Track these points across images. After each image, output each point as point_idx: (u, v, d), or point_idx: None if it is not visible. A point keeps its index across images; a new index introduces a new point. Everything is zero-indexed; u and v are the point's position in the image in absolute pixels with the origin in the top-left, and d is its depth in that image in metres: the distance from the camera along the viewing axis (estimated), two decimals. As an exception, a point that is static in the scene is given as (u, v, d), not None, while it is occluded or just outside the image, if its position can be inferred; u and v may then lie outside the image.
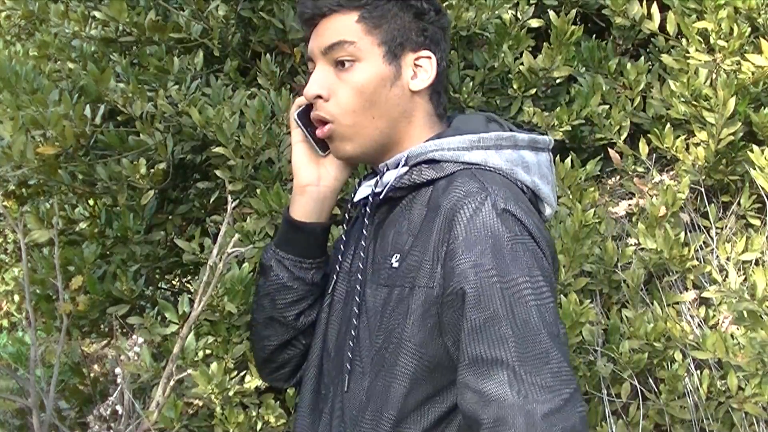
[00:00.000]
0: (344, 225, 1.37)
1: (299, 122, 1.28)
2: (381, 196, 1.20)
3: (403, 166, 1.19)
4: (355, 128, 1.21)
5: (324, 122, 1.22)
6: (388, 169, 1.22)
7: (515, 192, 1.15)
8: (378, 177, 1.22)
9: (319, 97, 1.21)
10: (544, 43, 2.44)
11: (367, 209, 1.24)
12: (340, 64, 1.19)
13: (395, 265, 1.16)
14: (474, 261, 1.05)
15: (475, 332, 1.04)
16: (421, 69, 1.22)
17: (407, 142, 1.22)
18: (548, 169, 1.25)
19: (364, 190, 1.25)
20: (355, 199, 1.28)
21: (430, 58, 1.22)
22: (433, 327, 1.11)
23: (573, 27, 2.39)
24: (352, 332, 1.20)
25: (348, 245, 1.31)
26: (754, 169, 2.28)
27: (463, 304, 1.05)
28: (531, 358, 1.01)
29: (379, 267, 1.19)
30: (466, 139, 1.18)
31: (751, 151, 2.30)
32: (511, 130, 1.24)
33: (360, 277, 1.22)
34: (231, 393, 2.08)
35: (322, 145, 1.27)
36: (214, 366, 2.07)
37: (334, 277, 1.31)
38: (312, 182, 1.30)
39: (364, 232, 1.24)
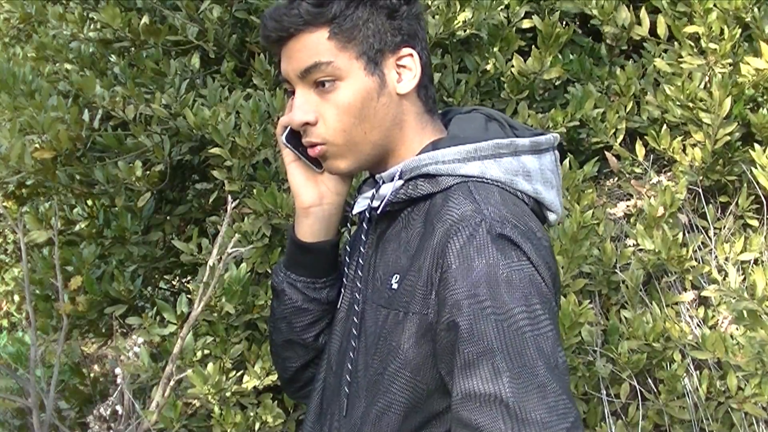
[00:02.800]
0: (349, 233, 1.33)
1: (288, 144, 1.23)
2: (378, 211, 1.16)
3: (398, 179, 1.14)
4: (348, 146, 1.15)
5: (315, 144, 1.17)
6: (384, 182, 1.17)
7: (514, 208, 1.08)
8: (374, 190, 1.18)
9: (307, 123, 1.15)
10: (533, 46, 2.43)
11: (365, 225, 1.20)
12: (320, 84, 1.13)
13: (394, 286, 1.11)
14: (468, 291, 1.00)
15: (469, 366, 0.98)
16: (405, 69, 1.15)
17: (402, 148, 1.17)
18: (552, 172, 1.19)
19: (362, 203, 1.21)
20: (354, 212, 1.23)
21: (411, 55, 1.15)
22: (429, 353, 1.06)
23: (558, 30, 2.38)
24: (351, 354, 1.16)
25: (352, 256, 1.27)
26: (755, 167, 2.28)
27: (457, 337, 1.00)
28: (526, 392, 0.96)
29: (380, 287, 1.15)
30: (462, 150, 1.12)
31: (753, 149, 2.30)
32: (512, 127, 1.19)
33: (358, 296, 1.18)
34: (228, 393, 2.08)
35: (317, 162, 1.23)
36: (210, 366, 2.07)
37: (341, 289, 1.28)
38: (315, 202, 1.25)
39: (362, 249, 1.21)
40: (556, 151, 1.23)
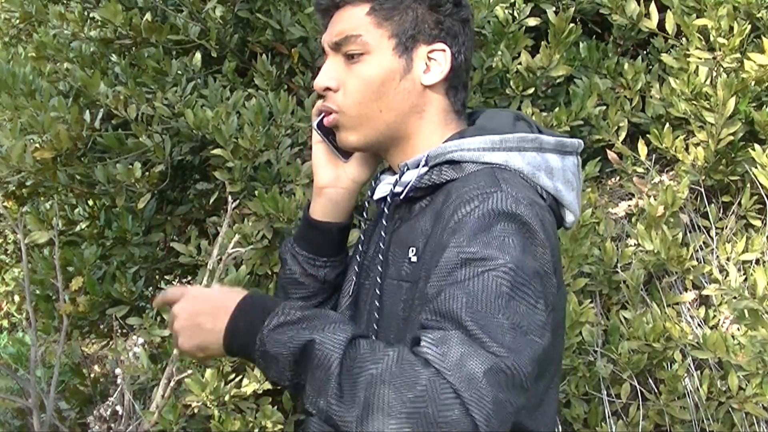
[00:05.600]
0: (361, 225, 1.35)
1: (319, 131, 1.28)
2: (402, 196, 1.18)
3: (424, 166, 1.17)
4: (360, 119, 1.20)
5: (330, 111, 1.22)
6: (408, 169, 1.20)
7: (532, 196, 1.10)
8: (397, 176, 1.20)
9: (329, 88, 1.20)
10: (542, 42, 2.43)
11: (385, 209, 1.22)
12: (350, 57, 1.18)
13: (413, 260, 1.14)
14: (460, 243, 1.01)
15: (435, 300, 0.98)
16: (435, 62, 1.19)
17: (418, 137, 1.20)
18: (574, 174, 1.21)
19: (384, 188, 1.24)
20: (375, 197, 1.27)
21: (444, 51, 1.19)
22: None
23: (571, 25, 2.38)
24: (374, 325, 1.18)
25: (365, 244, 1.30)
26: (756, 167, 2.27)
27: (436, 275, 1.01)
28: (486, 325, 0.94)
29: (398, 263, 1.17)
30: (488, 139, 1.15)
31: (753, 149, 2.30)
32: (539, 131, 1.21)
33: (378, 280, 1.19)
34: (227, 398, 2.07)
35: (344, 153, 1.28)
36: (208, 373, 2.06)
37: (353, 277, 1.30)
38: (329, 183, 1.30)
39: (383, 234, 1.22)
40: (579, 157, 1.25)
